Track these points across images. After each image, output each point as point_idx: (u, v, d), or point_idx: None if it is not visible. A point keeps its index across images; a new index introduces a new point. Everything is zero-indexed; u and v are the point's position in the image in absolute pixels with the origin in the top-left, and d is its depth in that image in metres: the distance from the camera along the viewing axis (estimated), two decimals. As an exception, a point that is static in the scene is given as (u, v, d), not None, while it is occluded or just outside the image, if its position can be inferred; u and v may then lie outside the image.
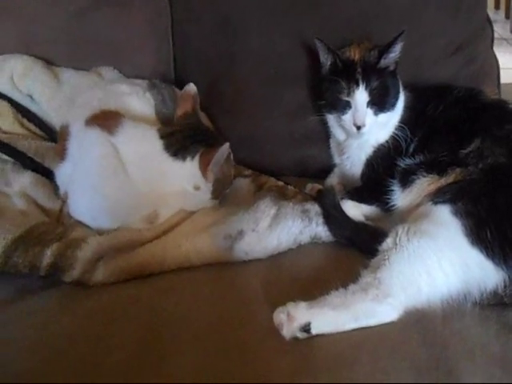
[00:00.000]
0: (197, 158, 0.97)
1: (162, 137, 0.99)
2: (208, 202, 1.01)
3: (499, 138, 0.93)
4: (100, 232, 0.94)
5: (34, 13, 1.20)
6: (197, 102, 1.06)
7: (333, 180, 1.15)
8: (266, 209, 0.96)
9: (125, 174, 0.96)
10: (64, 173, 1.01)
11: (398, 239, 0.82)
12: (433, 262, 0.79)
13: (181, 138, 0.99)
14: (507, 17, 3.58)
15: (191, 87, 1.05)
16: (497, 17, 3.69)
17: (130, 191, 0.96)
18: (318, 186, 1.10)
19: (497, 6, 3.81)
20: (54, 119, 1.14)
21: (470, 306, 0.78)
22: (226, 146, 0.96)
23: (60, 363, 0.73)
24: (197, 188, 0.98)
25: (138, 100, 1.08)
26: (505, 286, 0.79)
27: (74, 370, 0.72)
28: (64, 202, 1.02)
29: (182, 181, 0.98)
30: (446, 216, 0.83)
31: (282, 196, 1.03)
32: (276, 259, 0.92)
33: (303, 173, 1.20)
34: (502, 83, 1.30)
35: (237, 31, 1.19)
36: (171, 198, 0.98)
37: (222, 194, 1.03)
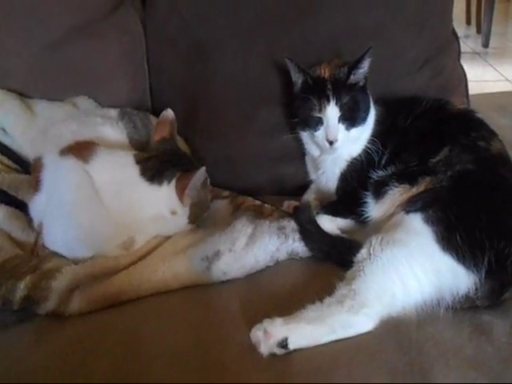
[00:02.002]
0: (173, 182, 0.97)
1: (138, 162, 0.99)
2: (185, 226, 1.00)
3: (466, 145, 0.95)
4: (75, 261, 0.93)
5: (6, 46, 1.18)
6: (174, 127, 1.06)
7: (309, 196, 1.15)
8: (243, 228, 0.96)
9: (100, 203, 0.95)
10: (38, 204, 1.00)
11: (372, 249, 0.83)
12: (406, 270, 0.80)
13: (157, 163, 0.99)
14: (478, 32, 3.65)
15: (169, 113, 1.06)
16: (468, 32, 3.78)
17: (105, 219, 0.95)
18: (295, 203, 1.10)
19: (468, 22, 3.92)
20: (28, 151, 1.12)
21: (444, 310, 0.79)
22: (203, 169, 0.96)
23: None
24: (173, 213, 0.98)
25: (111, 128, 1.08)
26: (476, 290, 0.80)
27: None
28: (38, 233, 1.00)
29: (159, 206, 0.97)
30: (418, 224, 0.84)
31: (258, 215, 1.03)
32: (254, 277, 0.91)
33: (280, 191, 1.20)
34: (474, 94, 1.33)
35: (210, 55, 1.21)
36: (147, 224, 0.98)
37: (198, 218, 1.02)
